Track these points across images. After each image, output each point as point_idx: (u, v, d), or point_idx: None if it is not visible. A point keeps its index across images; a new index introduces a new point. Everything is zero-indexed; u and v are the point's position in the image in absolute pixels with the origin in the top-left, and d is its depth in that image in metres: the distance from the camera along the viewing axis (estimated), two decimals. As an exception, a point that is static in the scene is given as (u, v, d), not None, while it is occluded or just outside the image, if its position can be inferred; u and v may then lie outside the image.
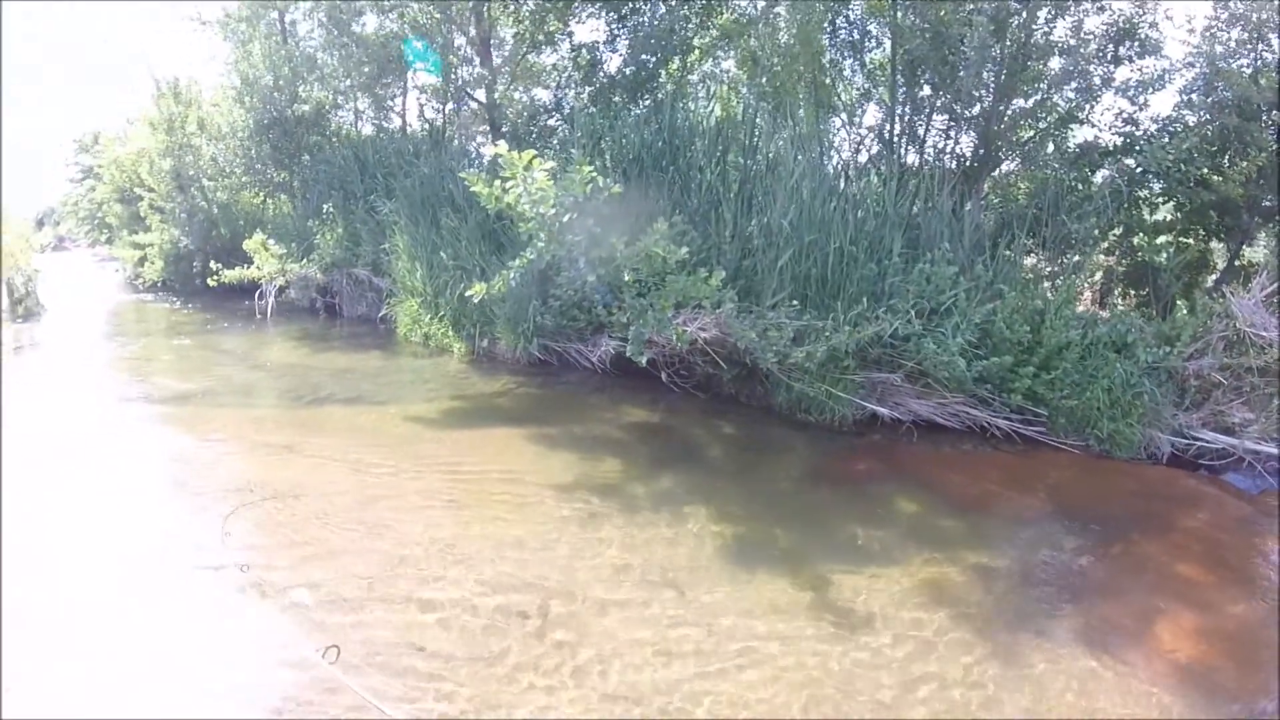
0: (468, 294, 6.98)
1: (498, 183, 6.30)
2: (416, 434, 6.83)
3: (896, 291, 6.73)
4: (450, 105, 12.82)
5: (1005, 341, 6.66)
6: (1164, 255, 8.85)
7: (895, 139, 9.35)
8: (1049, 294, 7.13)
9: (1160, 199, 9.16)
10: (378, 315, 11.06)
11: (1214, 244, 9.29)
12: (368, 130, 14.04)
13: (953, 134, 9.06)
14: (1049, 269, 8.25)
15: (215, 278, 11.82)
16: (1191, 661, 3.83)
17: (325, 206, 12.02)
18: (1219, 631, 4.08)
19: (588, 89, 10.82)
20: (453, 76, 11.85)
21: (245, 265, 11.90)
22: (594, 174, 6.33)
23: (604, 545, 4.79)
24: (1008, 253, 7.35)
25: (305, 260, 11.87)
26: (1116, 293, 9.31)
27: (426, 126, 12.92)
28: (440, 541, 4.81)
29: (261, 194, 14.80)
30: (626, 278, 6.30)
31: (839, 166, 8.26)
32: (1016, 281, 7.21)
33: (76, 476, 5.89)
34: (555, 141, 10.12)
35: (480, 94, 12.12)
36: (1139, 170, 8.62)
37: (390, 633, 3.87)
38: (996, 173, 9.39)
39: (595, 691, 3.50)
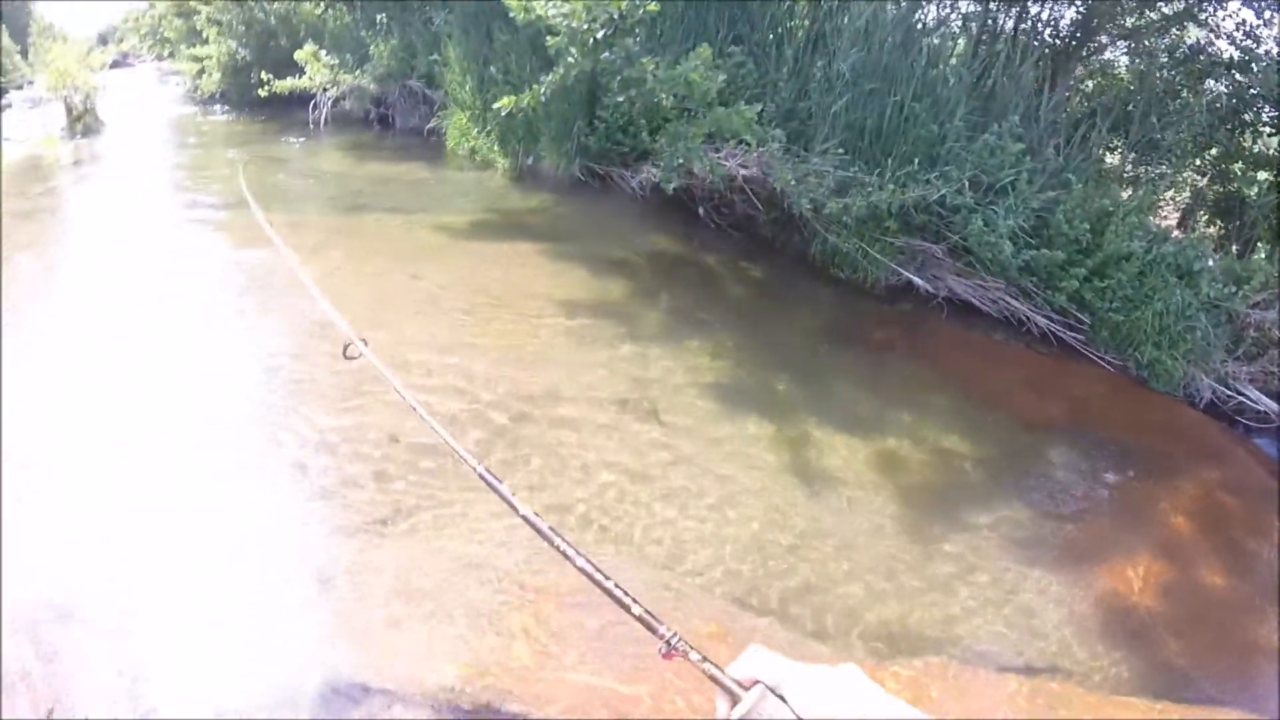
0: (494, 106, 6.75)
1: None
2: (440, 243, 6.78)
3: (954, 158, 6.29)
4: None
5: (1061, 236, 6.21)
6: (1256, 189, 8.19)
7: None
8: (1121, 198, 6.60)
9: (1267, 129, 8.40)
10: (429, 128, 10.87)
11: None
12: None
13: (1054, 3, 8.28)
14: (1131, 172, 7.69)
15: (266, 88, 11.64)
16: (1143, 619, 3.62)
17: (379, 17, 11.64)
18: (1188, 599, 3.84)
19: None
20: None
21: (298, 76, 11.67)
22: None
23: (595, 366, 4.75)
24: (1085, 143, 6.82)
25: (359, 71, 11.60)
26: (1202, 219, 8.66)
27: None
28: (434, 344, 4.84)
29: (321, 4, 14.38)
30: (666, 102, 5.96)
31: (923, 18, 7.60)
32: (1088, 175, 6.72)
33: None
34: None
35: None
36: (1250, 91, 7.85)
37: (373, 428, 3.93)
38: (1098, 59, 8.64)
39: (537, 498, 3.55)
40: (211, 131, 13.25)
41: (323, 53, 11.64)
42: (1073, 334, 6.34)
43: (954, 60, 6.99)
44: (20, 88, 17.69)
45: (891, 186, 5.96)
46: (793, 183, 5.95)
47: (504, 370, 4.57)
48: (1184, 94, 8.03)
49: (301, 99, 12.36)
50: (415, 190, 8.60)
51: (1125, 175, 7.47)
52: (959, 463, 4.43)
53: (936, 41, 7.01)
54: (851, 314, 6.18)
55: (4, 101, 15.48)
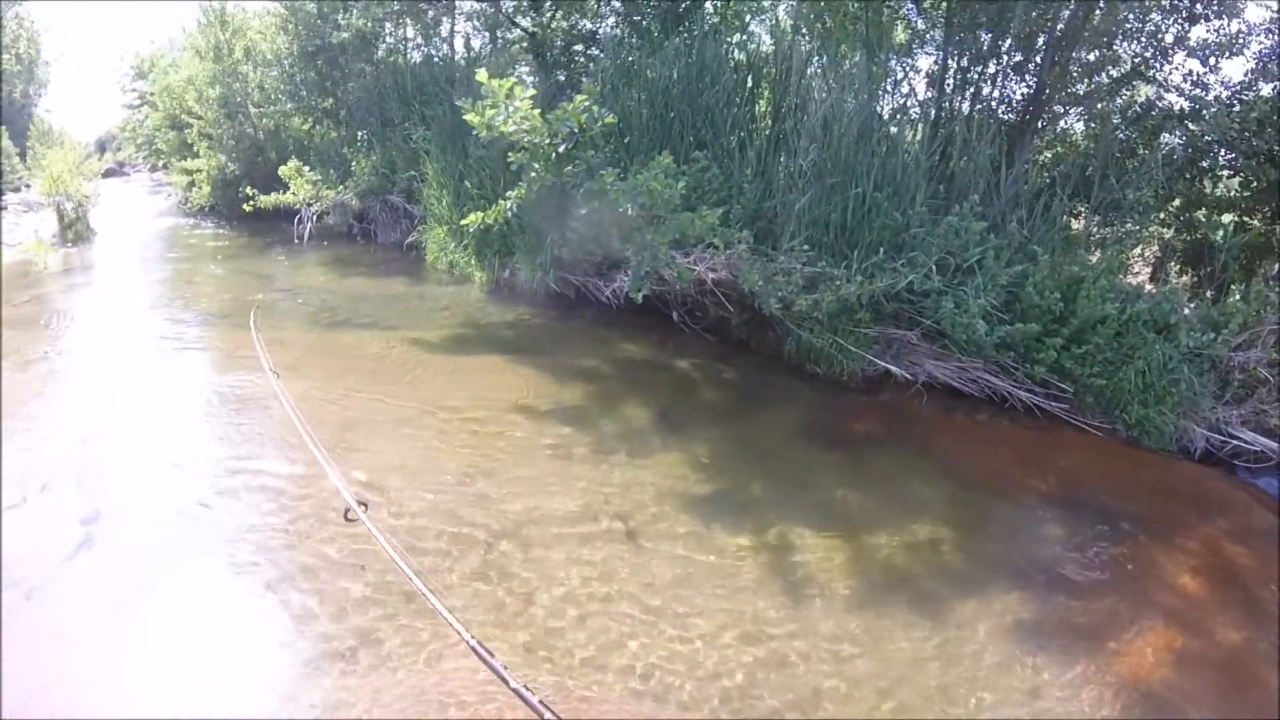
0: (462, 223, 6.93)
1: (489, 112, 6.12)
2: (416, 360, 6.85)
3: (919, 244, 6.38)
4: (497, 32, 12.61)
5: (1034, 308, 6.26)
6: (1222, 233, 8.28)
7: (946, 84, 8.84)
8: (1090, 261, 6.67)
9: (1225, 172, 8.54)
10: (408, 242, 11.10)
11: (1280, 228, 8.66)
12: (417, 58, 13.92)
13: (1005, 81, 8.51)
14: (1097, 235, 7.78)
15: (250, 203, 11.95)
16: (1157, 689, 3.51)
17: (360, 133, 12.01)
18: (1202, 660, 3.72)
19: (628, 18, 10.46)
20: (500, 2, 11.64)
21: (282, 191, 11.99)
22: (589, 104, 6.11)
23: (568, 483, 4.72)
24: (1048, 213, 6.92)
25: (341, 186, 11.91)
26: (1174, 270, 8.74)
27: (470, 54, 12.77)
28: (404, 468, 4.84)
29: (309, 121, 14.86)
30: (630, 211, 6.09)
31: (883, 110, 7.81)
32: (1054, 244, 6.80)
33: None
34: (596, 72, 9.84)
35: (525, 21, 11.87)
36: (1204, 138, 8.01)
37: (338, 554, 3.94)
38: (1053, 129, 8.84)
39: (510, 635, 3.50)
40: (199, 244, 13.53)
41: (306, 169, 11.96)
42: (1057, 404, 6.32)
43: (913, 147, 7.13)
44: (17, 190, 18.08)
45: (859, 278, 6.03)
46: (760, 283, 6.03)
47: (474, 494, 4.56)
48: (1140, 151, 8.19)
49: (287, 213, 12.69)
50: (393, 305, 8.72)
51: (1092, 238, 7.54)
52: (950, 553, 4.35)
53: (894, 130, 7.16)
54: (829, 409, 6.15)
55: (2, 203, 15.80)
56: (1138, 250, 8.44)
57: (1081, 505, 5.02)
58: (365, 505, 3.54)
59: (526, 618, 3.58)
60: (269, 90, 14.40)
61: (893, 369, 6.45)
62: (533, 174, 6.36)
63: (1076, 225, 7.76)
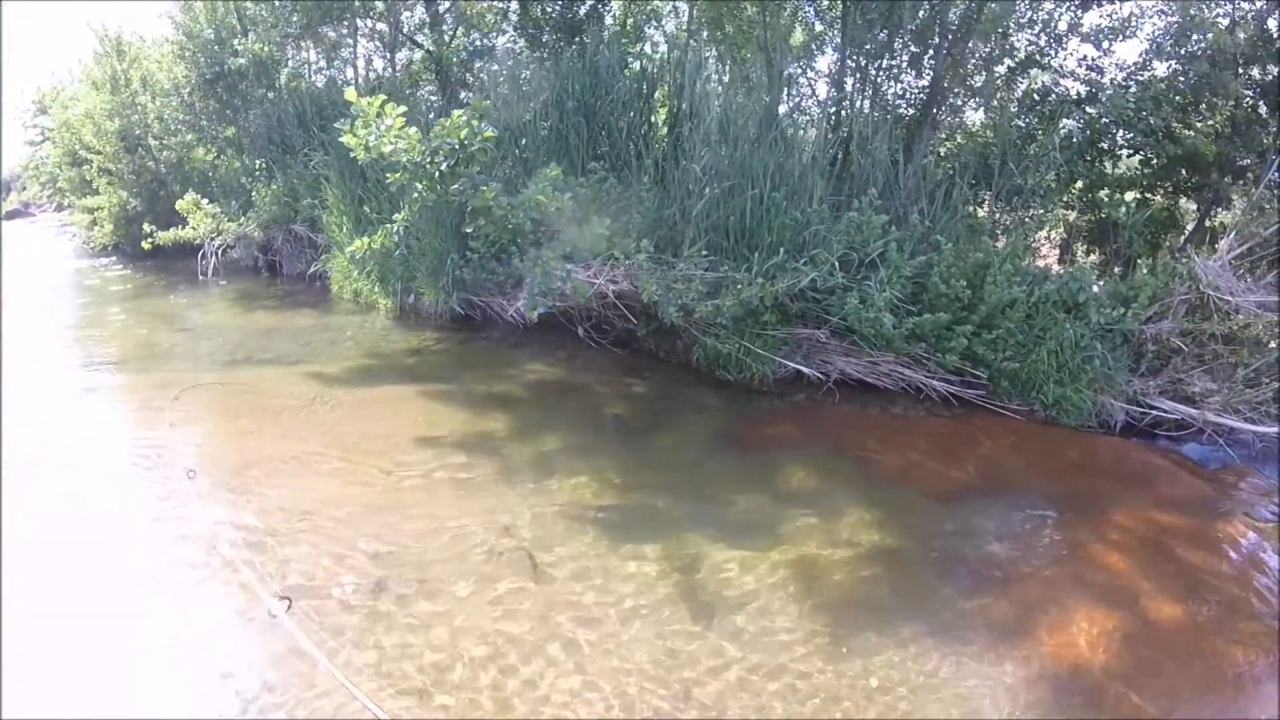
0: (348, 250, 6.64)
1: (363, 131, 5.84)
2: (315, 395, 6.48)
3: (820, 241, 6.27)
4: (399, 53, 12.29)
5: (941, 297, 6.25)
6: (1124, 210, 8.40)
7: (845, 83, 8.82)
8: (994, 247, 6.65)
9: (1125, 151, 8.68)
10: (311, 272, 10.67)
11: (1184, 203, 8.82)
12: (320, 82, 13.49)
13: (903, 78, 8.52)
14: (1002, 221, 7.80)
15: (149, 240, 11.41)
16: (1097, 677, 3.39)
17: (258, 162, 11.54)
18: (1142, 639, 3.62)
19: (524, 31, 10.25)
20: (399, 22, 11.33)
21: (182, 226, 11.46)
22: (467, 119, 5.88)
23: (470, 516, 4.45)
24: (949, 202, 6.89)
25: (243, 218, 11.42)
26: (1080, 251, 8.84)
27: (374, 76, 12.41)
28: (298, 509, 4.52)
29: (213, 151, 14.28)
30: (524, 226, 5.85)
31: (782, 111, 7.73)
32: (957, 234, 6.77)
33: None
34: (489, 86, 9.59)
35: (425, 40, 11.58)
36: (1102, 120, 8.11)
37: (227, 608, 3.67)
38: (952, 121, 8.87)
39: (408, 682, 3.24)
40: (100, 287, 12.81)
41: (205, 201, 11.45)
42: (972, 391, 6.31)
43: (811, 147, 7.03)
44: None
45: (760, 280, 5.88)
46: (659, 292, 5.84)
47: (371, 532, 4.26)
48: (1040, 136, 8.25)
49: (192, 249, 12.15)
50: (296, 339, 8.32)
51: (996, 225, 7.56)
52: (870, 554, 4.19)
53: (792, 131, 7.06)
54: (740, 416, 5.99)
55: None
56: (1044, 234, 8.54)
57: (1005, 491, 4.97)
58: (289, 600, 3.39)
59: (422, 664, 3.31)
60: (168, 121, 13.77)
61: (803, 369, 6.32)
62: (415, 195, 6.06)
63: (980, 214, 7.78)
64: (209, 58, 12.56)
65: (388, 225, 6.30)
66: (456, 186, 5.99)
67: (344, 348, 7.90)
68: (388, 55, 12.41)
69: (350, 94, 5.77)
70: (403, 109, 5.84)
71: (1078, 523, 4.56)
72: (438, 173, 5.91)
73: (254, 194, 11.31)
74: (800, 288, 6.00)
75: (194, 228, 11.32)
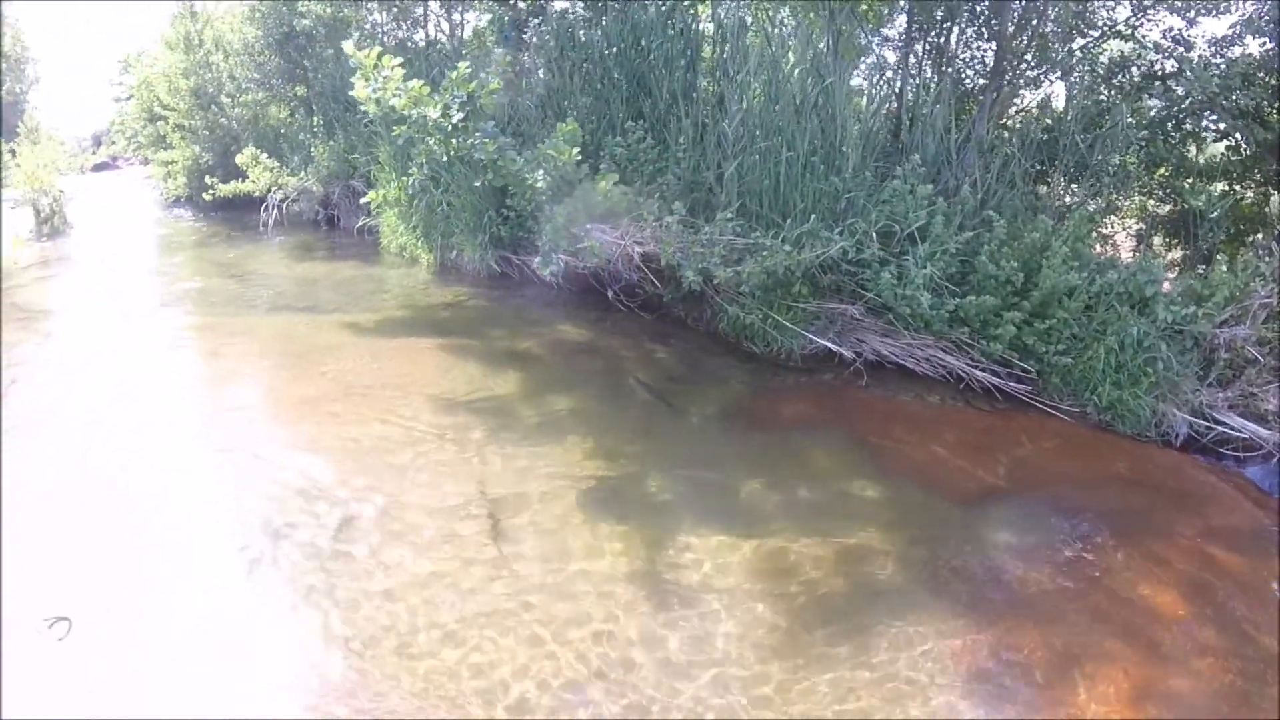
0: (363, 201, 6.68)
1: (364, 85, 5.80)
2: (340, 343, 6.58)
3: (858, 210, 5.93)
4: (466, 14, 12.28)
5: (990, 279, 5.74)
6: (1205, 199, 7.75)
7: (910, 49, 8.35)
8: (1054, 229, 6.12)
9: (1211, 135, 7.99)
10: (361, 225, 10.87)
11: (1275, 198, 8.08)
12: (391, 44, 13.62)
13: (973, 44, 8.01)
14: (1070, 204, 7.27)
15: (210, 192, 11.78)
16: None
17: (315, 119, 11.73)
18: (1162, 701, 3.12)
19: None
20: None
21: (242, 179, 11.80)
22: (469, 70, 5.79)
23: (451, 467, 4.41)
24: (1007, 174, 6.43)
25: (303, 172, 11.65)
26: (1158, 242, 8.17)
27: (442, 38, 12.46)
28: (292, 444, 4.63)
29: (285, 110, 14.64)
30: (539, 184, 5.72)
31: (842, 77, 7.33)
32: (1014, 210, 6.29)
33: None
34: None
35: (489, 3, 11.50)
36: (1187, 99, 7.46)
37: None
38: (1021, 91, 8.32)
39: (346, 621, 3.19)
40: (169, 236, 13.47)
41: (264, 156, 11.73)
42: (1018, 385, 5.80)
43: (863, 112, 6.68)
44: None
45: (787, 248, 5.59)
46: (676, 255, 5.63)
47: (350, 475, 4.27)
48: (1115, 113, 7.66)
49: (259, 202, 12.49)
50: (338, 289, 8.47)
51: (1059, 207, 7.03)
52: (872, 559, 3.84)
53: (839, 93, 6.69)
54: (760, 391, 5.73)
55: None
56: (1120, 222, 7.96)
57: (1036, 500, 4.47)
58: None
59: (361, 611, 3.27)
60: (240, 80, 14.18)
61: (832, 346, 6.00)
62: (421, 149, 6.01)
63: (1042, 191, 7.28)
64: (277, 19, 12.82)
65: (403, 179, 6.25)
66: (469, 141, 5.87)
67: (380, 299, 8.00)
68: (455, 17, 12.40)
69: (348, 47, 5.72)
70: (399, 61, 5.76)
71: (1113, 545, 4.06)
72: (450, 126, 5.79)
73: (312, 150, 11.51)
74: (831, 258, 5.68)
75: (253, 181, 11.60)
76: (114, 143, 25.47)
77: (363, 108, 6.04)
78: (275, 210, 12.23)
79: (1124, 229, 8.05)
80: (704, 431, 5.11)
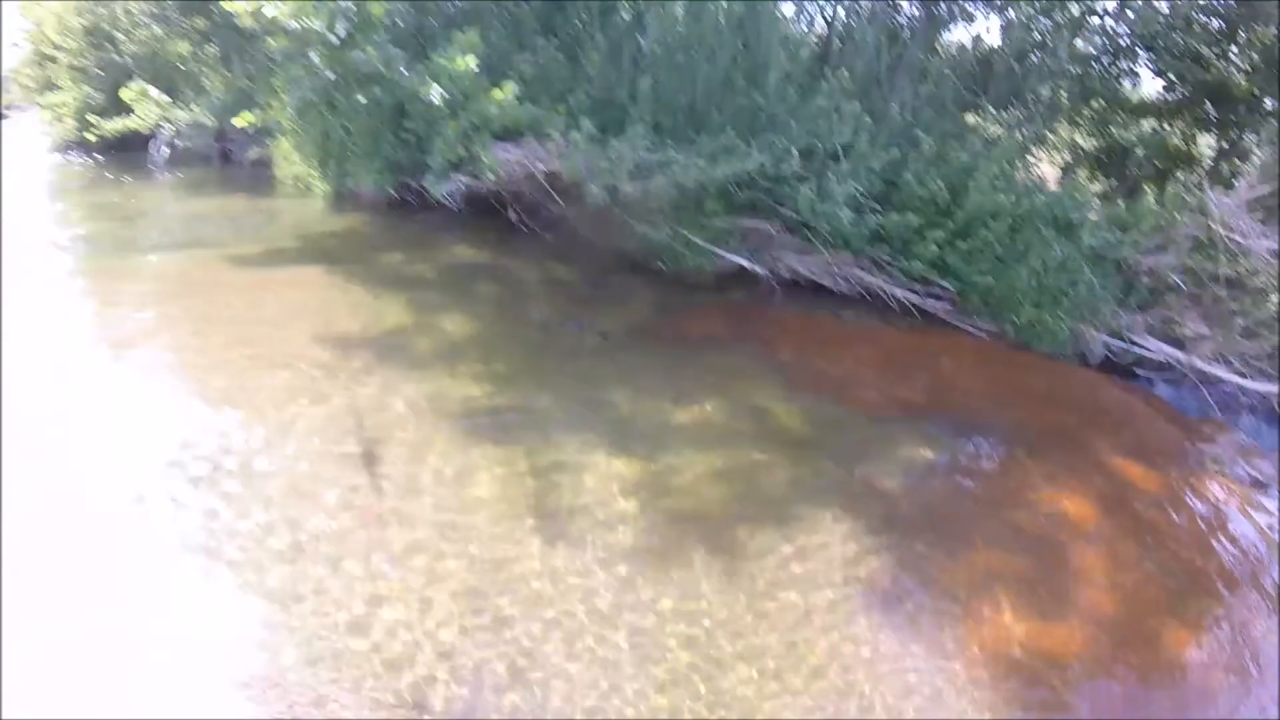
0: (234, 121, 6.04)
1: None
2: (218, 279, 5.96)
3: (780, 126, 5.53)
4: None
5: (915, 198, 5.57)
6: (1135, 134, 7.65)
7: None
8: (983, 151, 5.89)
9: (1148, 75, 7.86)
10: (253, 158, 10.11)
11: (1202, 141, 8.01)
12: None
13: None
14: (999, 133, 7.02)
15: (93, 130, 10.83)
16: (1021, 651, 2.69)
17: (205, 46, 10.80)
18: (1083, 612, 2.91)
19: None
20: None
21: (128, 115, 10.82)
22: None
23: (329, 402, 3.87)
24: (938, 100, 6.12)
25: (195, 106, 10.72)
26: (1084, 177, 8.07)
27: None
28: (134, 387, 4.03)
29: (188, 44, 13.58)
30: (435, 99, 5.15)
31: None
32: (944, 132, 6.03)
33: None
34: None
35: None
36: (1126, 36, 7.28)
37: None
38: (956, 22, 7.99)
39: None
40: (57, 181, 12.44)
41: (153, 90, 10.75)
42: (938, 304, 5.67)
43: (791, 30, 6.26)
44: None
45: (700, 162, 5.15)
46: (583, 171, 5.13)
47: (229, 416, 3.72)
48: (1054, 47, 7.42)
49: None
50: (228, 224, 7.77)
51: (989, 136, 6.77)
52: (778, 475, 3.53)
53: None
54: (668, 310, 5.35)
55: None
56: (1047, 154, 7.82)
57: (953, 416, 4.29)
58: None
59: (237, 548, 2.80)
60: (135, 14, 13.07)
61: (743, 263, 5.61)
62: (303, 64, 5.36)
63: (973, 120, 7.02)
64: (171, -53, 11.78)
65: (279, 99, 5.58)
66: (360, 55, 5.24)
67: (272, 231, 7.36)
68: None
69: None
70: None
71: (1030, 462, 3.87)
72: (336, 39, 5.16)
73: (205, 81, 10.61)
74: (749, 174, 5.28)
75: (140, 117, 10.63)
76: (9, 91, 23.65)
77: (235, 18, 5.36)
78: (168, 148, 11.32)
79: (1051, 160, 7.91)
80: (604, 352, 4.69)
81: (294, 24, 5.08)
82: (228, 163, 11.30)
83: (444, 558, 2.82)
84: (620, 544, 2.96)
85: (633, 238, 5.84)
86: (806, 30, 6.44)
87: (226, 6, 5.26)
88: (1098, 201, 6.29)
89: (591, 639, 2.53)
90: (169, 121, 10.71)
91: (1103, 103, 7.84)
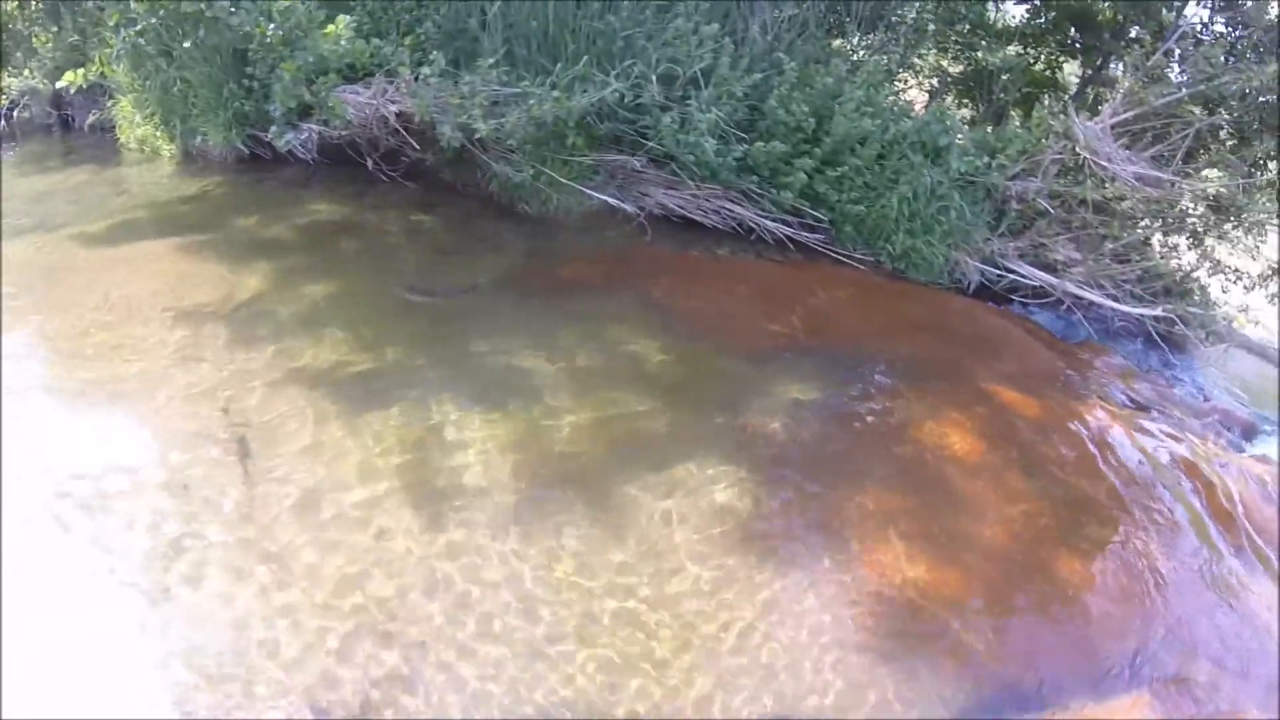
0: (58, 85, 5.57)
1: None
2: (67, 263, 5.39)
3: (637, 53, 5.37)
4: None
5: (780, 125, 5.48)
6: (1001, 59, 7.81)
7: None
8: (848, 76, 5.87)
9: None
10: (92, 121, 9.31)
11: (1067, 68, 8.27)
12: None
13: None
14: (863, 57, 7.04)
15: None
16: (913, 597, 2.71)
17: (36, 4, 9.85)
18: (972, 546, 2.95)
19: None
20: None
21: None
22: None
23: (187, 387, 3.58)
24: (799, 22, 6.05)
25: (27, 70, 9.81)
26: (951, 102, 8.22)
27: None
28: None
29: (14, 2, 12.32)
30: (269, 37, 4.81)
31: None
32: (808, 56, 5.98)
33: None
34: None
35: None
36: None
37: None
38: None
39: None
40: None
41: (-25, 54, 9.81)
42: (811, 236, 5.67)
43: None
44: None
45: (556, 94, 4.96)
46: (433, 111, 4.89)
47: (80, 417, 3.44)
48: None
49: (-15, 112, 10.49)
50: (66, 199, 7.09)
51: (854, 60, 6.78)
52: (655, 421, 3.47)
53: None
54: (536, 254, 5.19)
55: None
56: (914, 80, 7.93)
57: (830, 349, 4.28)
58: None
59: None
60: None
61: (611, 201, 5.50)
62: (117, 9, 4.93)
63: (838, 44, 7.02)
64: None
65: (104, 51, 5.14)
66: None
67: (115, 203, 6.74)
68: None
69: None
70: None
71: (915, 395, 3.90)
72: None
73: (34, 41, 9.68)
74: (608, 104, 5.13)
75: (-43, 88, 9.73)
76: None
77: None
78: (3, 120, 10.32)
79: (918, 85, 8.02)
80: (473, 305, 4.52)
81: None
82: (70, 130, 10.37)
83: (328, 546, 2.71)
84: (503, 508, 2.89)
85: (495, 180, 5.63)
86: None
87: None
88: (966, 128, 6.39)
89: (482, 613, 2.48)
90: (-1, 90, 9.83)
91: (968, 27, 7.96)
